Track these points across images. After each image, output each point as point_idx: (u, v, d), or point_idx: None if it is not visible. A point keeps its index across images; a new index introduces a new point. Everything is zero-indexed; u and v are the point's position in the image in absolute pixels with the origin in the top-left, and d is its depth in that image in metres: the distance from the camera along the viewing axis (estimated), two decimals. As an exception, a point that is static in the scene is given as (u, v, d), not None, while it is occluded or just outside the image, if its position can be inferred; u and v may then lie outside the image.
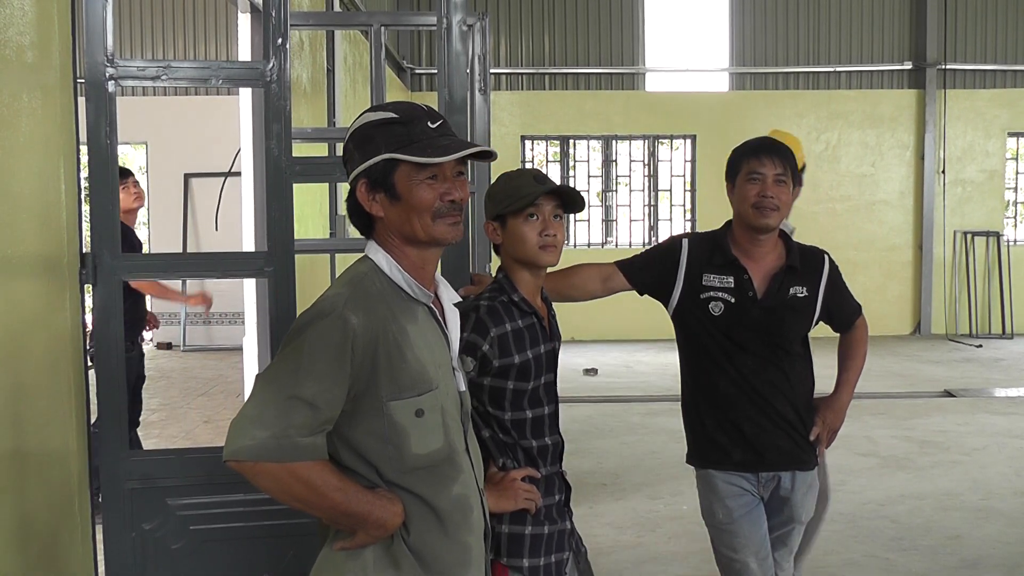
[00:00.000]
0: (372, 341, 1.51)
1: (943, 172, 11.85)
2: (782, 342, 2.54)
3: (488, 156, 1.63)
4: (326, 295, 1.57)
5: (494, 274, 2.17)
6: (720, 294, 2.53)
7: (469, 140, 3.00)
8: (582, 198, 2.12)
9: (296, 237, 2.64)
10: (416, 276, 1.62)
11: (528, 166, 11.94)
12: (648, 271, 2.63)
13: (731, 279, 2.53)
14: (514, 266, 2.10)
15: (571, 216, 12.09)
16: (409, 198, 1.57)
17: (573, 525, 2.17)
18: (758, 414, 2.53)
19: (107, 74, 2.49)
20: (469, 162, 1.66)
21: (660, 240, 11.99)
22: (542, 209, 2.06)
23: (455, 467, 1.63)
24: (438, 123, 1.59)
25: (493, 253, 2.19)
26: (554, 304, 2.31)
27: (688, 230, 12.03)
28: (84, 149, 2.51)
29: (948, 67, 11.74)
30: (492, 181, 2.19)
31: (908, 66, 11.83)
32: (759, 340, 2.52)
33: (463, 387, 1.71)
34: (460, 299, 1.76)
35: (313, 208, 6.10)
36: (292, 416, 1.46)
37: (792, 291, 2.55)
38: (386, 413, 1.54)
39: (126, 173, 4.84)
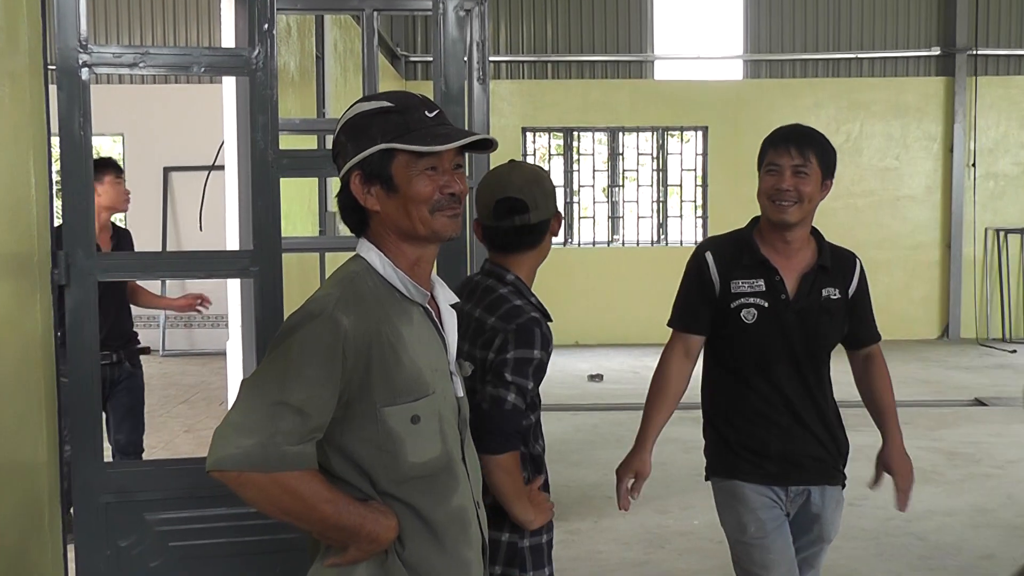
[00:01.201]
0: (365, 343, 1.53)
1: (973, 165, 11.84)
2: (816, 349, 2.51)
3: (489, 146, 1.65)
4: (315, 296, 1.59)
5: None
6: (752, 299, 2.47)
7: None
8: None
9: (283, 235, 2.65)
10: (411, 275, 1.63)
11: (529, 160, 11.95)
12: (701, 310, 2.55)
13: (761, 282, 2.48)
14: (534, 266, 2.18)
15: (575, 213, 12.14)
16: (407, 190, 1.58)
17: None
18: (791, 425, 2.51)
19: (80, 60, 2.49)
20: (467, 155, 1.68)
21: (669, 239, 12.03)
22: None
23: (453, 477, 1.64)
24: (435, 112, 1.61)
25: (509, 248, 2.23)
26: (556, 304, 2.36)
27: (699, 230, 12.03)
28: (56, 141, 2.51)
29: (979, 52, 11.73)
30: (493, 172, 2.19)
31: (936, 52, 11.83)
32: (794, 347, 2.48)
33: (461, 392, 1.71)
34: (458, 300, 1.78)
35: (301, 204, 6.10)
36: (279, 423, 1.47)
37: (825, 292, 2.53)
38: (380, 419, 1.55)
39: (112, 166, 4.50)
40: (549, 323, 2.11)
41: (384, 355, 1.54)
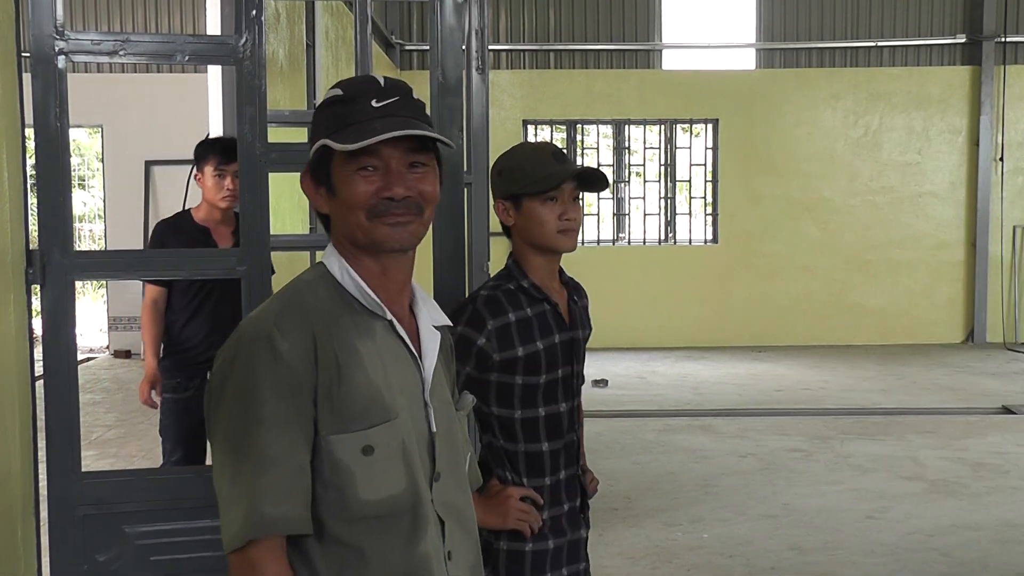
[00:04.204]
0: (305, 365, 1.42)
1: (1001, 160, 11.84)
2: None
3: (437, 142, 1.50)
4: (255, 312, 1.50)
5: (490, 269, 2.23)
6: None
7: (464, 126, 2.99)
8: (606, 178, 2.17)
9: (272, 232, 2.65)
10: (375, 286, 1.51)
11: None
12: None
13: None
14: (527, 250, 2.15)
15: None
16: (342, 192, 1.48)
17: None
18: None
19: (57, 48, 2.48)
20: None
21: (677, 237, 12.02)
22: (562, 191, 2.11)
23: (419, 519, 1.48)
24: (387, 101, 1.48)
25: (504, 235, 2.23)
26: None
27: (709, 228, 12.01)
28: (30, 133, 2.51)
29: (1008, 40, 11.71)
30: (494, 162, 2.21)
31: (961, 39, 11.83)
32: None
33: (435, 427, 1.54)
34: (447, 322, 1.66)
35: (290, 200, 6.10)
36: (258, 479, 1.38)
37: None
38: (326, 449, 1.42)
39: (217, 150, 3.98)
40: (542, 306, 2.10)
41: (329, 376, 1.43)
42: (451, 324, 1.70)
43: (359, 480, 1.43)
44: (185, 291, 3.96)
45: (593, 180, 2.13)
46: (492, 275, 2.21)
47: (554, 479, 2.14)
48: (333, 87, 1.53)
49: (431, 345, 1.57)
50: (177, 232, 3.97)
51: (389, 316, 1.51)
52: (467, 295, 2.12)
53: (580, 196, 2.17)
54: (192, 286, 3.93)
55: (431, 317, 1.60)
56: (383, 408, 1.46)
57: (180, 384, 3.93)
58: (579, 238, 2.24)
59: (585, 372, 2.33)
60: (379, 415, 1.45)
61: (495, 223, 2.37)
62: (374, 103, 1.47)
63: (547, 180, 2.06)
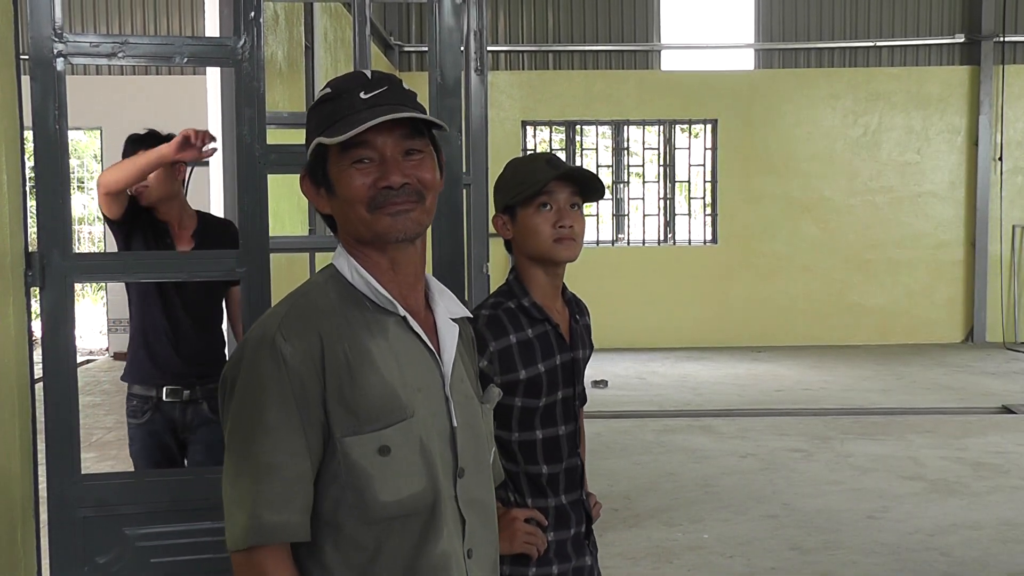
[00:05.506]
0: (311, 368, 1.41)
1: (1000, 159, 11.85)
2: None
3: (432, 126, 1.50)
4: (264, 315, 1.50)
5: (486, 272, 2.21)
6: None
7: (462, 127, 3.00)
8: (601, 184, 2.13)
9: (271, 234, 2.65)
10: (386, 282, 1.49)
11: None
12: None
13: None
14: (527, 264, 2.10)
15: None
16: (340, 189, 1.47)
17: (595, 559, 2.19)
18: None
19: (55, 50, 2.49)
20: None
21: (676, 238, 12.04)
22: (555, 197, 2.07)
23: (438, 518, 1.46)
24: (375, 92, 1.47)
25: (506, 250, 2.20)
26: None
27: (709, 229, 12.02)
28: (29, 135, 2.51)
29: (1006, 39, 11.73)
30: (500, 170, 2.20)
31: (960, 39, 11.84)
32: None
33: (456, 422, 1.51)
34: (466, 313, 1.62)
35: (290, 202, 6.10)
36: (258, 486, 1.38)
37: None
38: (342, 452, 1.41)
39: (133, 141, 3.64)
40: (543, 326, 2.06)
41: (339, 379, 1.41)
42: (471, 316, 1.68)
43: (377, 481, 1.41)
44: (145, 313, 3.54)
45: (585, 183, 2.09)
46: (492, 288, 2.20)
47: (556, 502, 2.11)
48: (324, 86, 1.53)
49: (449, 339, 1.54)
50: (139, 219, 3.52)
51: (402, 312, 1.48)
52: (465, 299, 2.09)
53: (580, 205, 2.12)
54: (151, 310, 3.52)
55: (448, 310, 1.57)
56: (398, 407, 1.44)
57: (137, 408, 3.50)
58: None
59: (585, 372, 2.30)
60: (394, 414, 1.43)
61: (494, 224, 2.38)
62: (362, 95, 1.45)
63: (534, 184, 2.04)
